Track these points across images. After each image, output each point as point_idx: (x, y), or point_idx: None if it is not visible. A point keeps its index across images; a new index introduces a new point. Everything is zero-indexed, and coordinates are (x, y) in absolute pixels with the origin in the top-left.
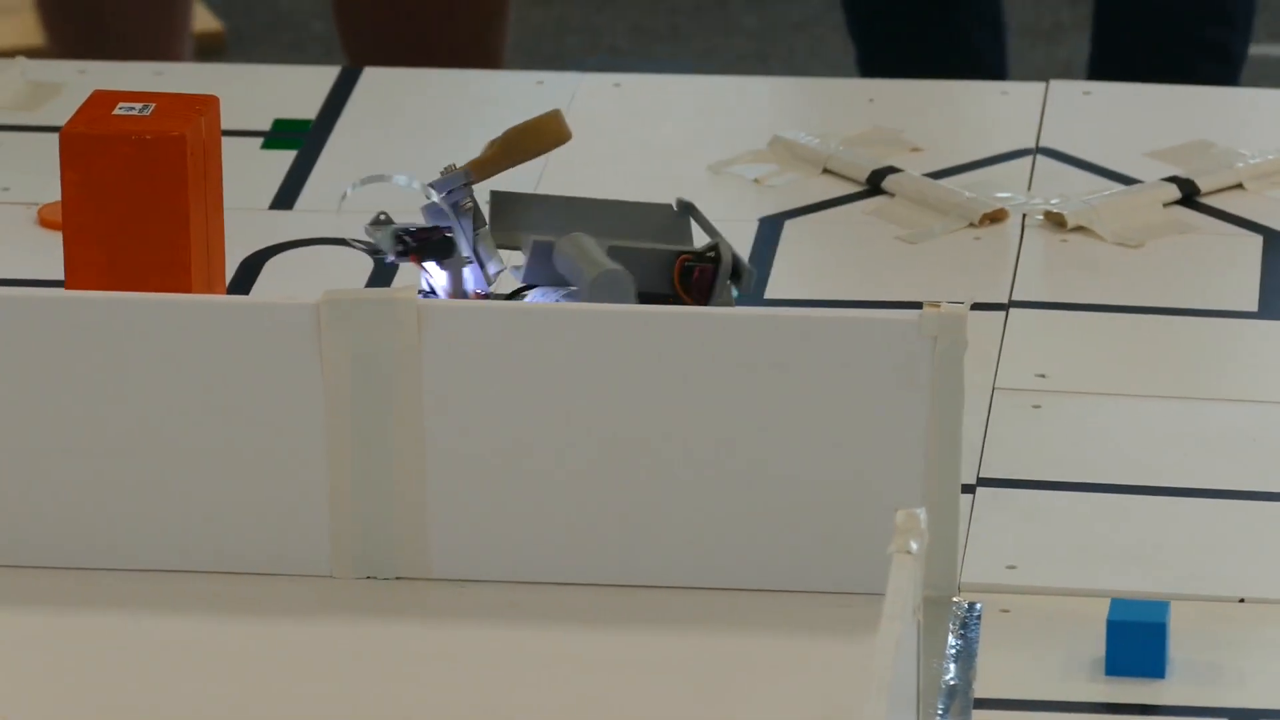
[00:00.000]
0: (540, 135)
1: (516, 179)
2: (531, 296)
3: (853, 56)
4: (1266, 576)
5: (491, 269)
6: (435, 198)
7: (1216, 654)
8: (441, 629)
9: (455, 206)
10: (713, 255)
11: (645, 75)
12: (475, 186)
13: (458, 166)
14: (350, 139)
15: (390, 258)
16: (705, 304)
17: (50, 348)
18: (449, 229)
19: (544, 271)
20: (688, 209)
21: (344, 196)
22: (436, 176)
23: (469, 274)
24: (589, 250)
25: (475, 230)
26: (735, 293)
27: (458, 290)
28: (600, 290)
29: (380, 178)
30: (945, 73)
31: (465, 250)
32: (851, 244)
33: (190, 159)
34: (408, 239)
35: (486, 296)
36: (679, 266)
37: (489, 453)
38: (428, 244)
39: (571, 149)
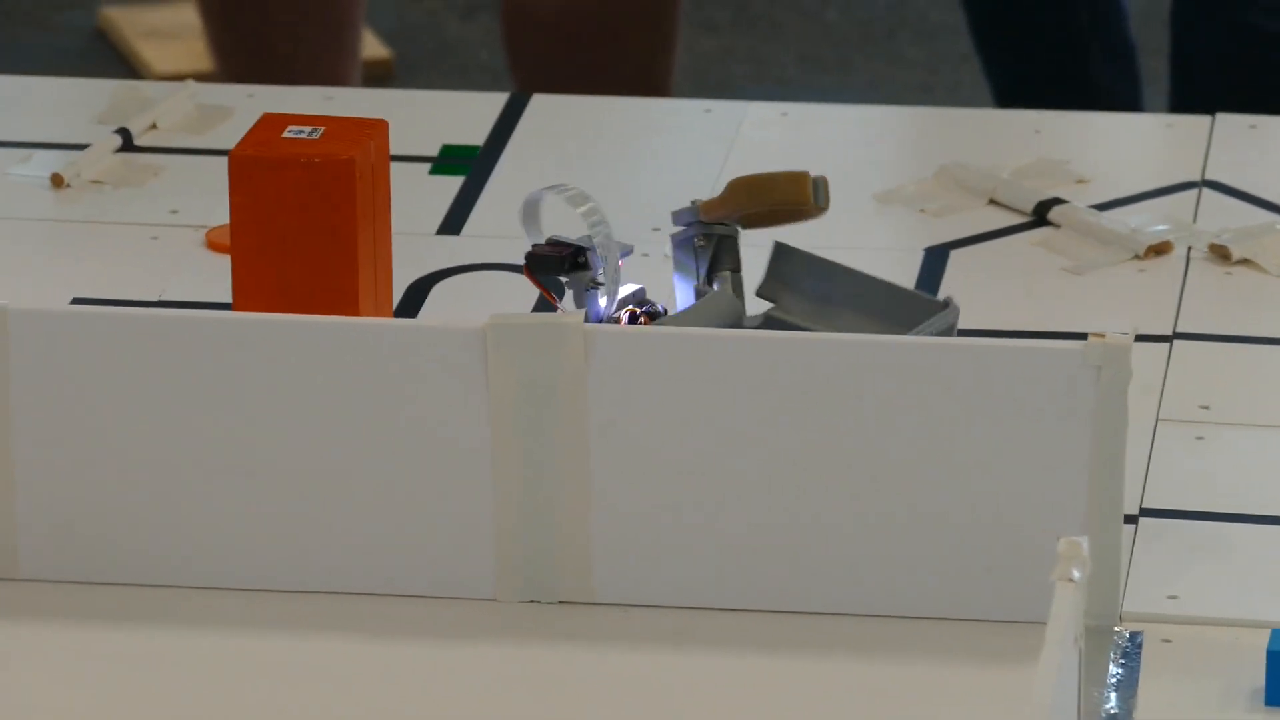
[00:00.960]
0: (772, 190)
1: (692, 193)
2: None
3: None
4: None
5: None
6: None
7: None
8: (605, 654)
9: (689, 241)
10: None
11: (812, 104)
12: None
13: (699, 202)
14: (518, 165)
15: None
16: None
17: (219, 369)
18: (585, 252)
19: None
20: (948, 307)
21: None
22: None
23: (597, 302)
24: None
25: (712, 272)
26: None
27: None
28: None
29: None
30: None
31: (598, 275)
32: (1017, 274)
33: (359, 182)
34: (535, 252)
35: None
36: None
37: (654, 477)
38: (537, 257)
39: (742, 174)
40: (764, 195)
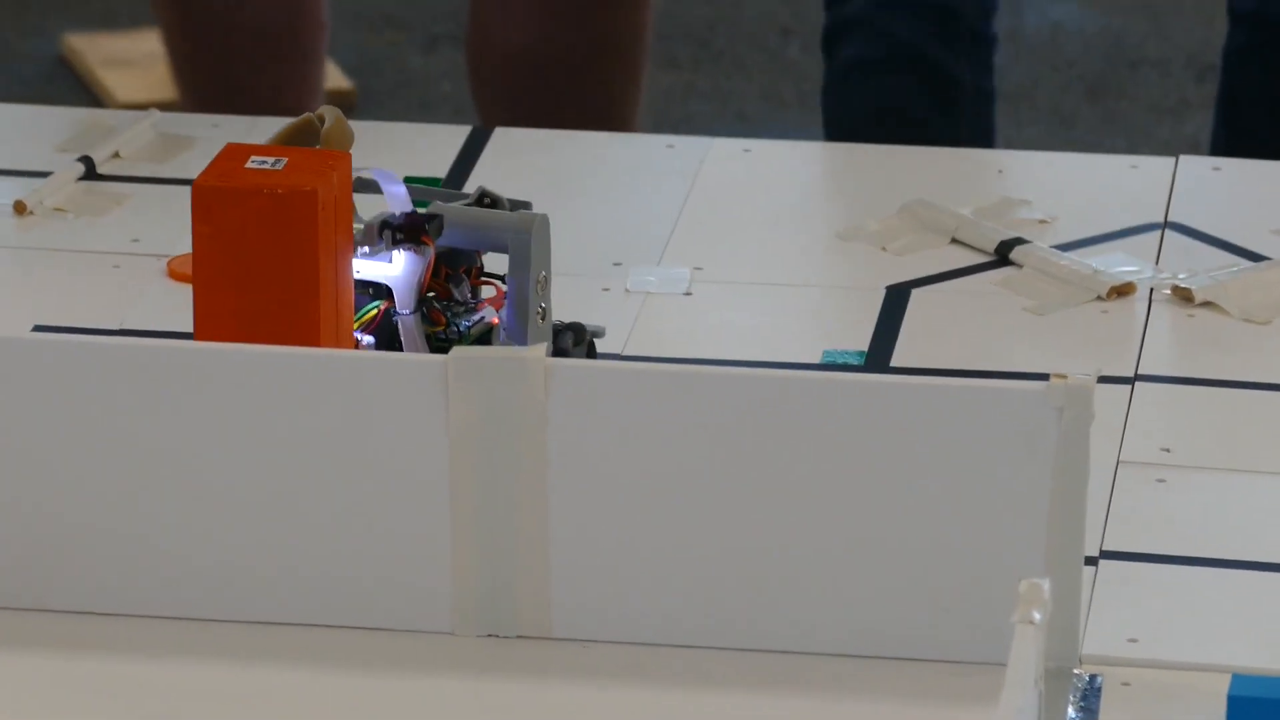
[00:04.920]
0: (342, 139)
1: (654, 228)
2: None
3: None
4: None
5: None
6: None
7: None
8: (562, 689)
9: None
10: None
11: (775, 141)
12: None
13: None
14: None
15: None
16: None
17: (179, 399)
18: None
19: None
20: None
21: None
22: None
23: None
24: (483, 212)
25: None
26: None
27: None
28: (540, 236)
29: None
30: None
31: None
32: (978, 314)
33: (321, 214)
34: (392, 229)
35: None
36: None
37: (613, 513)
38: (434, 223)
39: (702, 212)
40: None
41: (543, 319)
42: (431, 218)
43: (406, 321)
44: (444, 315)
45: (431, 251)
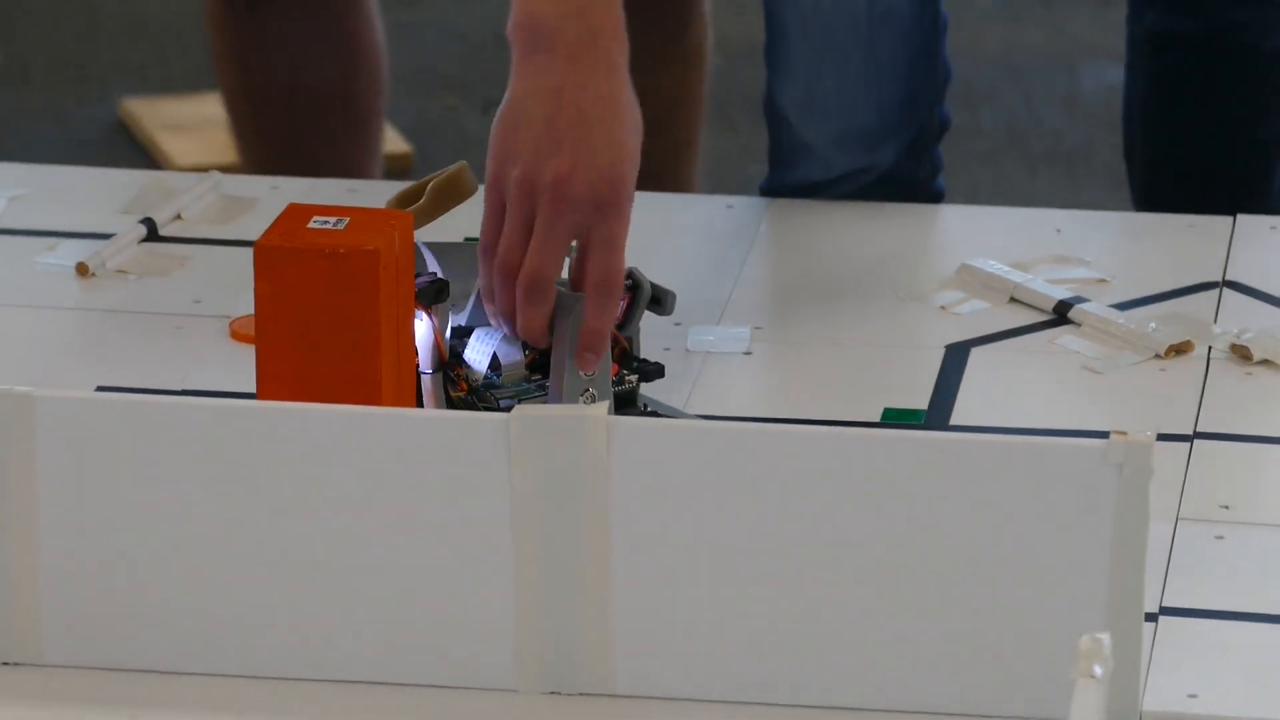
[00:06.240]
0: (459, 189)
1: (713, 288)
2: (475, 338)
3: (1036, 187)
4: None
5: None
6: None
7: None
8: None
9: None
10: (630, 284)
11: (835, 202)
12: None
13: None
14: None
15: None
16: (625, 331)
17: (243, 458)
18: (446, 283)
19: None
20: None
21: None
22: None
23: (452, 316)
24: None
25: None
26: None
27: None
28: (578, 319)
29: None
30: None
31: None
32: (1037, 373)
33: (383, 273)
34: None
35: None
36: None
37: (676, 570)
38: (427, 289)
39: (764, 270)
40: (458, 195)
41: (590, 403)
42: (435, 282)
43: (425, 380)
44: (467, 383)
45: (433, 317)
